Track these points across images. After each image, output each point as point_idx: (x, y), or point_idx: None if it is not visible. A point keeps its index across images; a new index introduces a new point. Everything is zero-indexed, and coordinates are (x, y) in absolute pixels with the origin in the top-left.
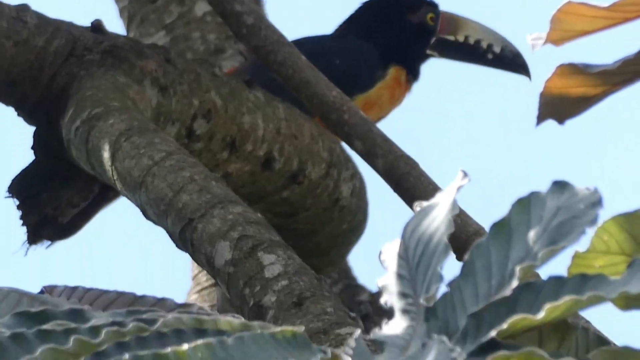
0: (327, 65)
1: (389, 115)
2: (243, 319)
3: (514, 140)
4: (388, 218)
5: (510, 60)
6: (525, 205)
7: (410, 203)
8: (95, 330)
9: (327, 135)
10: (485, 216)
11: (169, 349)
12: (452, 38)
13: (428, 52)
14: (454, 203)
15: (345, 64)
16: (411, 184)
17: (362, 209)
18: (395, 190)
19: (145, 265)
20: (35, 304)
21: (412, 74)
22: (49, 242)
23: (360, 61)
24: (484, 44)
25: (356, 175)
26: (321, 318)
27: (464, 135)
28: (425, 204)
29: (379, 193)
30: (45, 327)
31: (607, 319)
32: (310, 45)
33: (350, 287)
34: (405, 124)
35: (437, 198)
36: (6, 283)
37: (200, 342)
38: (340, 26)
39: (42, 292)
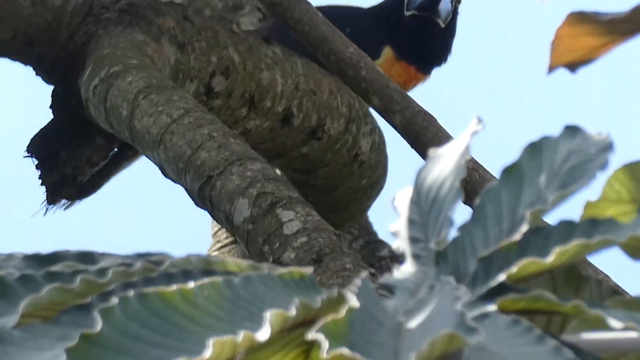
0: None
1: None
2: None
3: (527, 88)
4: (408, 172)
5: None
6: (537, 149)
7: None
8: (103, 272)
9: (346, 90)
10: (498, 166)
11: (174, 287)
12: None
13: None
14: (467, 148)
15: (356, 37)
16: (429, 139)
17: (382, 163)
18: (413, 146)
19: (165, 223)
20: None
21: (400, 49)
22: (67, 202)
23: (368, 36)
24: None
25: (375, 130)
26: (340, 274)
27: (476, 85)
28: (438, 150)
29: (398, 147)
30: (53, 268)
31: (623, 274)
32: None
33: (371, 243)
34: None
35: (451, 144)
36: (22, 247)
37: (206, 280)
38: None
39: None
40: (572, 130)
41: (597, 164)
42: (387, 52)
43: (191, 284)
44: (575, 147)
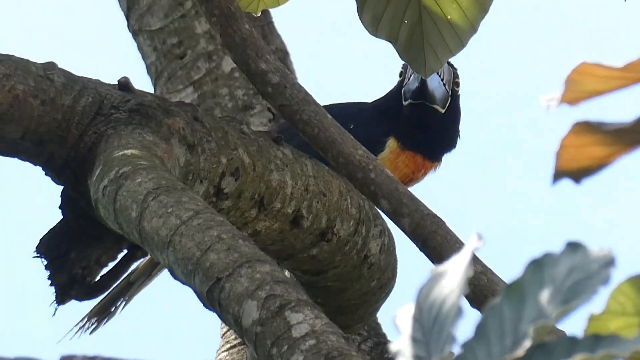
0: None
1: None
2: None
3: (531, 195)
4: (416, 274)
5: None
6: (539, 265)
7: (436, 261)
8: None
9: (356, 192)
10: (505, 267)
11: None
12: None
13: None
14: (468, 266)
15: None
16: (437, 242)
17: (391, 265)
18: (421, 249)
19: (174, 324)
20: None
21: (404, 140)
22: (94, 325)
23: (369, 132)
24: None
25: (384, 232)
26: None
27: (482, 190)
28: (439, 268)
29: (407, 249)
30: None
31: None
32: (335, 111)
33: (380, 344)
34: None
35: (452, 261)
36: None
37: None
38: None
39: None
40: (574, 247)
41: (599, 279)
42: (391, 143)
43: None
44: (577, 263)
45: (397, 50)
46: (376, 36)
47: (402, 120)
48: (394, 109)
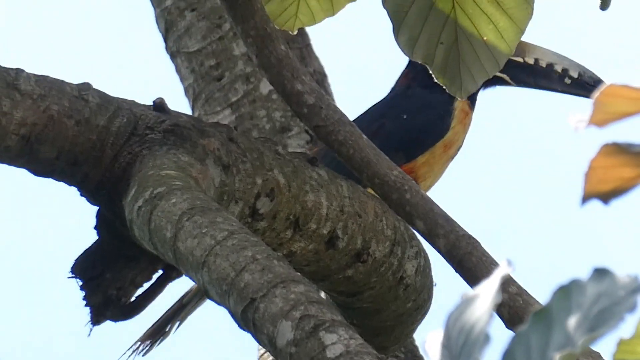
0: (400, 123)
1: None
2: None
3: (561, 217)
4: (453, 294)
5: (591, 87)
6: (566, 292)
7: (472, 283)
8: None
9: (391, 213)
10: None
11: None
12: (520, 60)
13: (498, 74)
14: (497, 292)
15: (419, 120)
16: (473, 263)
17: (427, 287)
18: (457, 270)
19: (211, 345)
20: None
21: (472, 99)
22: (147, 347)
23: (431, 113)
24: (558, 68)
25: (420, 253)
26: None
27: (512, 213)
28: (469, 293)
29: (443, 270)
30: None
31: None
32: (380, 110)
33: None
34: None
35: (481, 287)
36: None
37: None
38: (401, 78)
39: None
40: (600, 273)
41: (626, 306)
42: (461, 103)
43: None
44: (604, 289)
45: (433, 71)
46: (412, 58)
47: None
48: None
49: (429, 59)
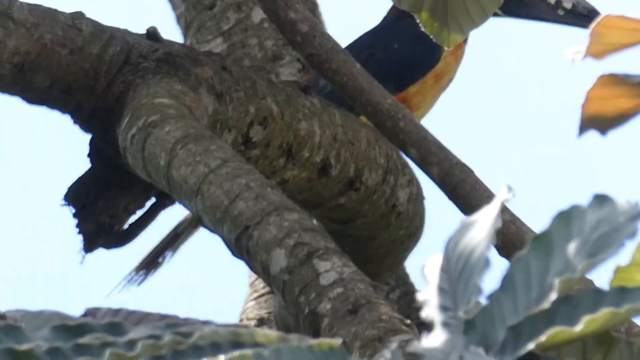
0: (391, 53)
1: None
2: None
3: (558, 148)
4: (445, 222)
5: (586, 17)
6: (566, 218)
7: (465, 210)
8: (132, 344)
9: (384, 141)
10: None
11: None
12: None
13: None
14: (497, 217)
15: (410, 49)
16: (466, 191)
17: (419, 214)
18: (450, 198)
19: (202, 272)
20: None
21: None
22: (142, 278)
23: (421, 43)
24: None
25: (413, 181)
26: (376, 325)
27: (508, 143)
28: (469, 219)
29: (435, 198)
30: (82, 340)
31: None
32: (370, 39)
33: (408, 294)
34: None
35: (481, 212)
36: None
37: (236, 353)
38: (392, 8)
39: (85, 314)
40: (600, 199)
41: (626, 232)
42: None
43: (221, 357)
44: (604, 216)
45: (420, 21)
46: (400, 6)
47: None
48: None
49: (416, 8)
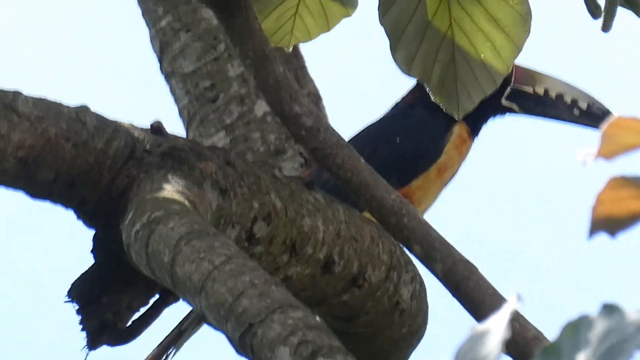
0: (394, 148)
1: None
2: None
3: (568, 250)
4: (448, 320)
5: (600, 118)
6: (575, 328)
7: (469, 307)
8: None
9: (387, 238)
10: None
11: None
12: (530, 90)
13: (506, 103)
14: (506, 328)
15: (411, 144)
16: (470, 288)
17: (423, 312)
18: (454, 295)
19: None
20: None
21: (474, 127)
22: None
23: (425, 137)
24: (567, 99)
25: (416, 278)
26: None
27: (519, 242)
28: (478, 327)
29: (439, 295)
30: None
31: None
32: (372, 132)
33: None
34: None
35: (490, 322)
36: None
37: None
38: (408, 94)
39: None
40: (609, 309)
41: (635, 343)
42: (458, 129)
43: None
44: (612, 325)
45: (430, 89)
46: (409, 75)
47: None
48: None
49: (426, 77)
